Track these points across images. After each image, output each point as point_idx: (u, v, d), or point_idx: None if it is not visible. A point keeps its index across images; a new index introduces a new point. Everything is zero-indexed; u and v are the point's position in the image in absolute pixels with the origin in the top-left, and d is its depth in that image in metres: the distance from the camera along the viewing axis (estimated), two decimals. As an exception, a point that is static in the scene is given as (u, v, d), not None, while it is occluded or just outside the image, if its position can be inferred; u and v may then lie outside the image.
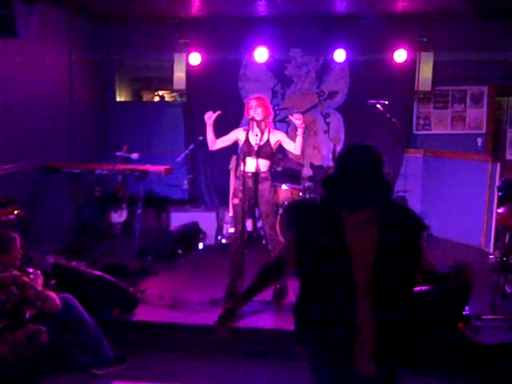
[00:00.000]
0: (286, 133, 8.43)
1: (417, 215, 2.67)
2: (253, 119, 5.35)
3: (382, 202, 2.64)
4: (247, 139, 5.43)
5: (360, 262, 2.51)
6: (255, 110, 5.38)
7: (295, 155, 5.84)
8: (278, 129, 5.93)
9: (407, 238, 2.59)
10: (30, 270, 4.39)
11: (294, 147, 5.40)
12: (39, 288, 4.20)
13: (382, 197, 2.64)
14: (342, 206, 2.60)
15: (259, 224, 6.16)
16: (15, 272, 4.15)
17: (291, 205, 6.88)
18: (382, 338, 2.52)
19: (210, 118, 5.47)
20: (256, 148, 5.35)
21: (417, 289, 4.50)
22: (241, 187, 5.28)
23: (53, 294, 4.25)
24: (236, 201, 5.42)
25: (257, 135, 5.39)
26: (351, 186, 2.57)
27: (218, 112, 5.49)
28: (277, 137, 5.48)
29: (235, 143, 5.65)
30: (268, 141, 5.41)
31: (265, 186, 5.44)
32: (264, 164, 5.45)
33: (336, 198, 2.64)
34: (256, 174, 5.40)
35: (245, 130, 5.45)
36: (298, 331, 2.74)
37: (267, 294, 5.37)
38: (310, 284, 2.66)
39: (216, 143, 5.57)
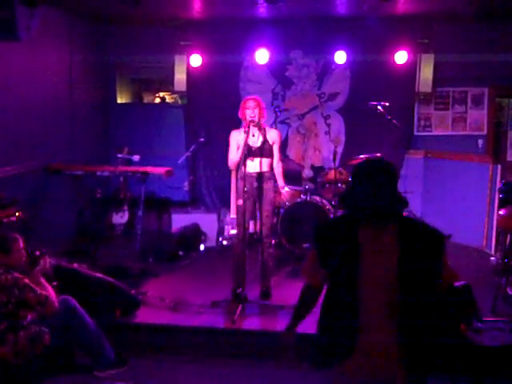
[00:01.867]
0: (287, 135, 8.49)
1: (435, 229, 2.64)
2: (252, 121, 5.37)
3: (401, 218, 2.63)
4: (246, 141, 5.44)
5: (379, 282, 2.53)
6: (253, 111, 5.39)
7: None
8: (274, 129, 5.99)
9: (430, 253, 2.57)
10: (37, 253, 4.42)
11: (275, 165, 5.52)
12: (39, 291, 4.21)
13: (400, 212, 2.64)
14: (362, 222, 2.59)
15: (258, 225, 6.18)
16: (16, 274, 4.16)
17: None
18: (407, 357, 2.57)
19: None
20: (255, 149, 5.38)
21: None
22: (245, 188, 5.29)
23: (51, 294, 4.27)
24: (240, 201, 5.44)
25: (253, 135, 5.42)
26: (369, 201, 2.55)
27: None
28: (272, 136, 5.52)
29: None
30: (266, 140, 5.45)
31: (269, 185, 5.52)
32: (266, 163, 5.50)
33: (356, 215, 2.62)
34: (260, 174, 5.44)
35: (245, 132, 5.46)
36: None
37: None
38: (331, 293, 2.70)
39: (234, 158, 5.58)
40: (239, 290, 5.26)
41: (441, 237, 2.62)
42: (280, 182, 5.72)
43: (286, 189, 6.01)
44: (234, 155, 5.57)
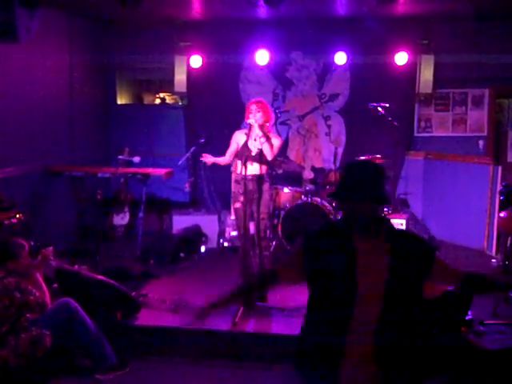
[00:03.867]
0: (287, 136, 8.49)
1: (426, 241, 2.72)
2: (253, 124, 5.37)
3: (391, 230, 2.67)
4: (245, 143, 5.44)
5: (369, 291, 2.54)
6: (254, 115, 5.39)
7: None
8: (276, 134, 5.99)
9: (420, 265, 2.62)
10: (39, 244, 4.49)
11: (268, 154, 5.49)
12: (38, 294, 4.23)
13: (388, 224, 2.68)
14: (353, 232, 2.61)
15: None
16: (17, 277, 4.18)
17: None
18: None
19: (207, 160, 5.71)
20: (254, 153, 5.37)
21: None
22: (241, 191, 5.29)
23: (47, 296, 4.32)
24: (238, 205, 5.46)
25: (255, 140, 5.40)
26: (354, 193, 2.57)
27: (211, 159, 5.72)
28: (274, 143, 5.50)
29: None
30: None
31: (266, 188, 5.52)
32: (264, 167, 5.50)
33: (347, 224, 2.64)
34: (257, 176, 5.44)
35: (246, 134, 5.45)
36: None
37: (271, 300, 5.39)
38: (316, 301, 2.70)
39: (227, 158, 5.66)
40: None
41: (430, 250, 2.71)
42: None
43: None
44: (228, 154, 5.63)
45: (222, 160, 5.78)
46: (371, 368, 2.56)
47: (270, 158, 5.43)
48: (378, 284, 2.53)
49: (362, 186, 2.58)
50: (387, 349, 2.57)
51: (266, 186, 5.53)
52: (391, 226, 2.70)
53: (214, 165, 8.33)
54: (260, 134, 5.38)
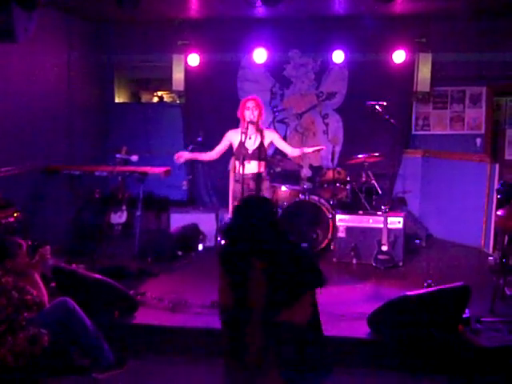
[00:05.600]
0: (285, 134, 8.50)
1: (312, 269, 3.19)
2: (251, 122, 5.36)
3: (273, 253, 3.06)
4: (242, 142, 5.43)
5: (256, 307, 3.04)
6: (252, 112, 5.38)
7: (293, 156, 5.87)
8: (270, 128, 5.98)
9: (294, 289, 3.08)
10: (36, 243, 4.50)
11: (291, 150, 5.47)
12: (35, 293, 4.24)
13: (272, 247, 3.07)
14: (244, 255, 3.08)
15: None
16: (15, 277, 4.18)
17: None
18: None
19: (180, 158, 5.75)
20: (251, 151, 5.38)
21: (415, 292, 4.55)
22: (240, 189, 5.29)
23: (45, 295, 4.33)
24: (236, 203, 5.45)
25: (250, 138, 5.41)
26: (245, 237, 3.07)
27: (187, 155, 5.79)
28: (269, 137, 5.52)
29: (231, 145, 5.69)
30: (262, 143, 5.44)
31: (265, 186, 5.52)
32: (262, 165, 5.50)
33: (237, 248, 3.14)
34: (256, 175, 5.44)
35: (242, 132, 5.45)
36: None
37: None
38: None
39: (213, 155, 5.65)
40: None
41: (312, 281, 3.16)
42: (304, 149, 5.74)
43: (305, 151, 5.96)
44: (215, 152, 5.65)
45: (206, 156, 5.75)
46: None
47: (295, 153, 5.65)
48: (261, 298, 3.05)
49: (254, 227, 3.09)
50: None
51: (265, 185, 5.54)
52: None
53: (212, 163, 8.40)
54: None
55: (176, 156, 5.78)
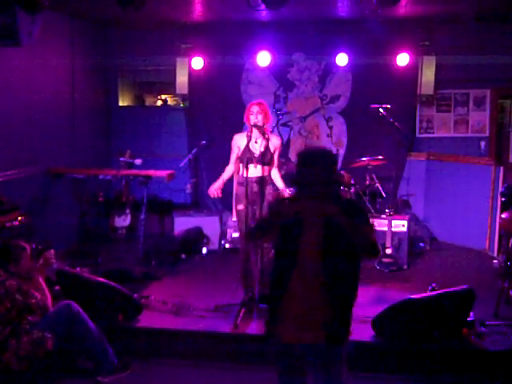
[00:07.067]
0: (289, 137, 8.50)
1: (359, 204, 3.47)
2: (255, 125, 5.36)
3: (330, 195, 3.20)
4: (247, 146, 5.43)
5: (310, 241, 3.11)
6: (256, 117, 5.38)
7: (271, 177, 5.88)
8: (275, 134, 5.97)
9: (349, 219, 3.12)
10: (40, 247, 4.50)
11: (274, 169, 5.52)
12: (39, 296, 4.24)
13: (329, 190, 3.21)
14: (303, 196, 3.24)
15: None
16: (19, 280, 4.18)
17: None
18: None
19: (218, 191, 5.67)
20: (257, 155, 5.37)
21: (420, 295, 4.55)
22: (244, 193, 5.28)
23: (49, 299, 4.33)
24: (240, 207, 5.44)
25: (256, 142, 5.41)
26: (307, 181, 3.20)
27: (217, 184, 5.68)
28: (274, 143, 5.51)
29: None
30: (267, 147, 5.44)
31: (269, 190, 5.51)
32: (267, 169, 5.49)
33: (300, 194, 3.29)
34: (260, 178, 5.43)
35: (247, 136, 5.44)
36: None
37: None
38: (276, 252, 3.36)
39: (231, 168, 5.63)
40: (250, 295, 5.27)
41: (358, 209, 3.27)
42: (280, 184, 5.69)
43: (288, 191, 5.98)
44: (231, 166, 5.64)
45: (228, 172, 5.72)
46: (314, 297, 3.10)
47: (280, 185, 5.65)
48: (316, 237, 3.09)
49: (316, 174, 3.20)
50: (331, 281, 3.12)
51: (269, 189, 5.53)
52: (338, 191, 3.40)
53: (216, 166, 8.41)
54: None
55: (210, 193, 5.74)
